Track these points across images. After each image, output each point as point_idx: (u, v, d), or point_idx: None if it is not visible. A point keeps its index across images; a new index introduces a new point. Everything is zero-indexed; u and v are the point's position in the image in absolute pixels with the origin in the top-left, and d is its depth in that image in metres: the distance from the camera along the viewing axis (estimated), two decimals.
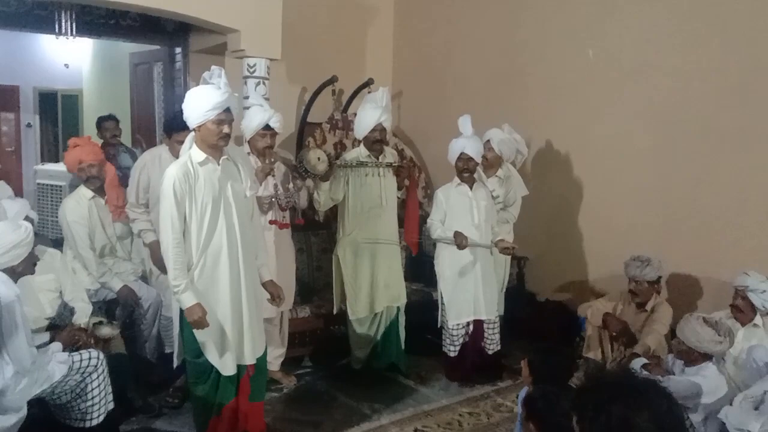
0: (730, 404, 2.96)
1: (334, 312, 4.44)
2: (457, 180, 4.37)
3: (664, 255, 4.12)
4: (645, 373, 3.25)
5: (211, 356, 3.11)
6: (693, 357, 3.17)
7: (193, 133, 3.09)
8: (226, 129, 3.01)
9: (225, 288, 3.08)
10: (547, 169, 5.33)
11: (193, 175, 3.00)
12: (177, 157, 3.37)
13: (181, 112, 3.07)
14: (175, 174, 2.97)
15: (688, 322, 3.20)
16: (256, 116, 3.88)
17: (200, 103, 2.99)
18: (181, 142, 3.29)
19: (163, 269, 3.53)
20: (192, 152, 3.06)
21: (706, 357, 3.16)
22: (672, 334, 3.98)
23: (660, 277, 4.05)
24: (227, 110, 3.02)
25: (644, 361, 3.48)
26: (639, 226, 4.66)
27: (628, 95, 4.73)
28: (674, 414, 1.38)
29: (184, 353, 3.23)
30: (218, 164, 3.08)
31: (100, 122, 5.56)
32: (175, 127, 3.73)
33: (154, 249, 3.78)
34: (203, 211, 3.01)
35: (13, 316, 2.69)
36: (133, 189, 3.94)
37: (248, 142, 3.98)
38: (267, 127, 3.86)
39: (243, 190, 3.19)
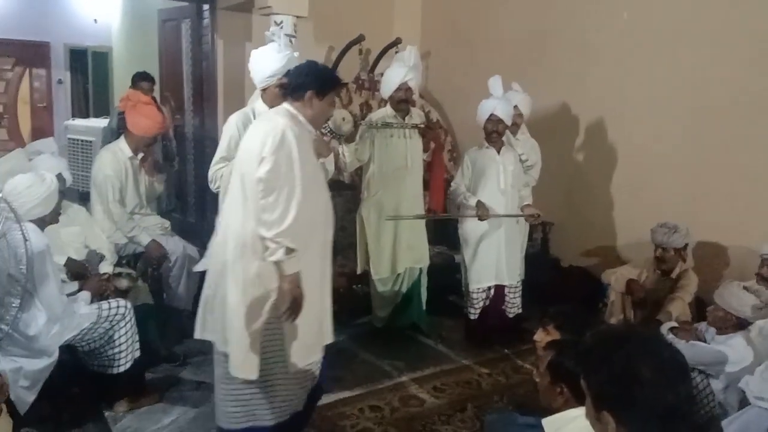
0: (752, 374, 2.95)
1: (358, 272, 4.48)
2: (485, 143, 4.32)
3: (692, 222, 4.06)
4: (671, 336, 3.25)
5: None
6: (728, 323, 3.17)
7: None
8: None
9: None
10: (576, 133, 5.25)
11: (251, 125, 3.11)
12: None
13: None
14: (234, 122, 3.21)
15: (729, 288, 3.21)
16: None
17: (262, 67, 3.16)
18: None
19: None
20: (257, 103, 3.27)
21: (739, 326, 3.15)
22: (697, 302, 3.96)
23: (687, 245, 4.00)
24: (288, 74, 3.07)
25: (673, 324, 3.47)
26: (667, 192, 4.59)
27: (663, 59, 4.61)
28: (677, 362, 1.38)
29: None
30: None
31: (136, 80, 5.44)
32: None
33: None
34: None
35: (44, 265, 2.77)
36: None
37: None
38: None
39: None
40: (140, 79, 5.42)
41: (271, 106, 3.14)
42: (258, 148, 2.52)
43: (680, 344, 3.01)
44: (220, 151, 3.19)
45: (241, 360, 2.61)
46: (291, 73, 2.81)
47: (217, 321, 2.68)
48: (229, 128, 3.19)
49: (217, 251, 2.72)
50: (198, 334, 2.80)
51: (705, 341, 3.26)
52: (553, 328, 2.74)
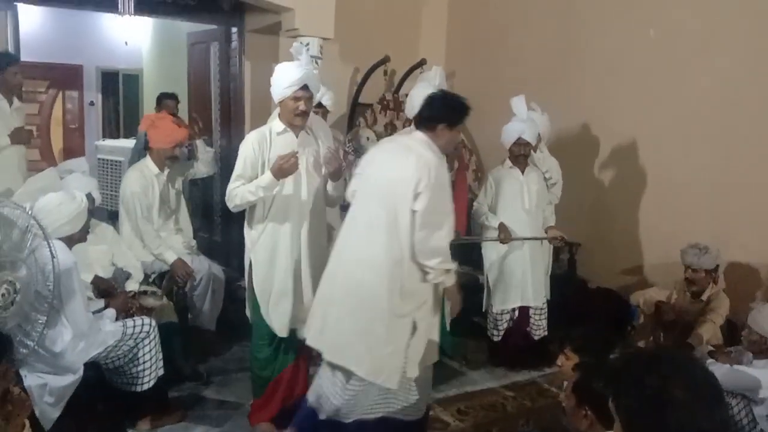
0: None
1: None
2: (508, 163, 4.30)
3: (722, 243, 3.98)
4: (710, 360, 3.17)
5: (267, 317, 3.21)
6: (763, 347, 3.08)
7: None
8: (302, 106, 3.09)
9: (285, 254, 3.17)
10: (602, 153, 5.20)
11: (267, 143, 3.15)
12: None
13: None
14: (251, 141, 3.16)
15: (762, 311, 3.12)
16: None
17: (280, 79, 3.11)
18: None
19: None
20: (273, 122, 3.22)
21: None
22: (728, 325, 3.86)
23: (717, 266, 3.91)
24: (305, 87, 3.08)
25: (710, 348, 3.39)
26: (696, 212, 4.50)
27: (690, 76, 4.55)
28: (711, 384, 1.33)
29: (251, 314, 3.31)
30: (296, 136, 3.17)
31: (161, 99, 5.63)
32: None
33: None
34: None
35: (71, 282, 2.80)
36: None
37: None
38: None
39: (319, 165, 3.23)
40: (165, 98, 5.63)
41: (288, 121, 3.14)
42: (410, 183, 2.67)
43: (723, 368, 2.94)
44: (237, 169, 3.17)
45: (382, 368, 2.76)
46: (424, 104, 2.92)
47: (331, 331, 2.83)
48: (245, 147, 3.17)
49: (340, 271, 2.87)
50: (313, 343, 2.93)
51: (742, 364, 3.17)
52: (570, 351, 2.72)
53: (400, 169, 2.74)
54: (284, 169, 2.97)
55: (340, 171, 3.21)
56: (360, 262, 2.79)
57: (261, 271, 3.20)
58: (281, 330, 3.21)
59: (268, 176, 3.02)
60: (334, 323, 2.83)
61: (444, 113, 2.84)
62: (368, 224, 2.79)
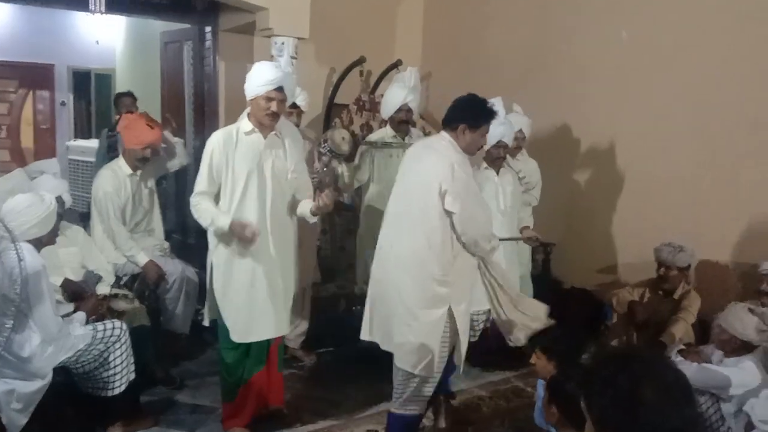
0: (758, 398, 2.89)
1: (357, 292, 4.44)
2: (483, 164, 4.31)
3: (695, 243, 4.03)
4: (680, 359, 3.20)
5: (230, 322, 3.15)
6: (734, 346, 3.10)
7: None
8: (273, 107, 3.04)
9: (246, 259, 3.11)
10: (576, 153, 5.25)
11: (233, 143, 3.08)
12: None
13: None
14: (216, 139, 3.10)
15: (734, 310, 3.14)
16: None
17: (255, 77, 3.06)
18: None
19: None
20: (242, 122, 3.16)
21: (746, 348, 3.09)
22: (699, 323, 3.91)
23: (690, 265, 3.96)
24: (279, 89, 3.04)
25: (681, 347, 3.42)
26: (669, 212, 4.56)
27: (663, 78, 4.61)
28: (681, 384, 1.35)
29: (211, 316, 3.27)
30: (264, 137, 3.11)
31: (118, 98, 5.65)
32: None
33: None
34: (237, 179, 3.06)
35: (39, 285, 2.75)
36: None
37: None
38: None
39: (285, 169, 3.19)
40: (121, 97, 5.64)
41: (257, 121, 3.09)
42: (434, 181, 2.87)
43: (692, 367, 2.97)
44: (202, 174, 3.09)
45: (420, 358, 2.95)
46: (451, 105, 3.08)
47: (383, 322, 3.04)
48: (210, 147, 3.08)
49: (380, 265, 3.07)
50: (365, 336, 3.14)
51: (711, 363, 3.20)
52: (539, 351, 2.77)
53: (424, 168, 2.96)
54: (241, 236, 2.99)
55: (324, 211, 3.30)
56: (391, 256, 2.99)
57: (220, 274, 3.15)
58: (239, 336, 3.15)
59: (226, 223, 2.99)
60: (379, 317, 3.05)
61: (464, 114, 2.99)
62: (397, 221, 3.01)
